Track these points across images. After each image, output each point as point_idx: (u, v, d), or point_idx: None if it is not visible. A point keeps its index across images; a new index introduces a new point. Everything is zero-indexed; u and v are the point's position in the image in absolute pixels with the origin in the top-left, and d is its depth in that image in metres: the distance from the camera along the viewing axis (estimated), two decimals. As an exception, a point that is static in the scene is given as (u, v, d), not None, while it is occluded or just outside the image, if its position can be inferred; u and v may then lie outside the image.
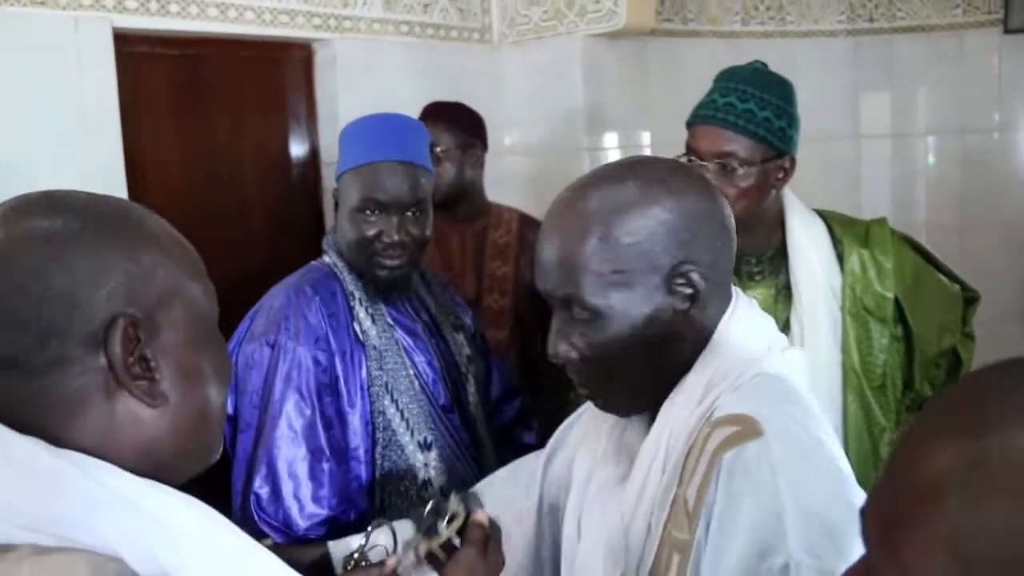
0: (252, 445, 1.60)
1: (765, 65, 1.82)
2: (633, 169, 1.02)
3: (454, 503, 1.29)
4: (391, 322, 1.71)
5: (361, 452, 1.63)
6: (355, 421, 1.63)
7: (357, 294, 1.69)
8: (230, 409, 1.64)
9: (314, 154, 3.08)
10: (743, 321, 1.05)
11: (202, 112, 2.79)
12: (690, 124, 1.78)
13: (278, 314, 1.64)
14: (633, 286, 0.97)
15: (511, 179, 3.17)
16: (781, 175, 1.73)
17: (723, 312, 1.04)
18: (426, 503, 1.47)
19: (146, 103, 2.63)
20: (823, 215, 1.85)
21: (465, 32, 3.36)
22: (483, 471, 1.70)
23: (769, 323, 1.12)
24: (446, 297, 1.91)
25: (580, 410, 1.30)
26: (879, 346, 1.77)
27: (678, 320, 1.00)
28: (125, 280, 0.79)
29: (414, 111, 3.17)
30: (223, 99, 2.84)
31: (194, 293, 0.88)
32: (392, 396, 1.65)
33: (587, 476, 1.17)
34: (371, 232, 1.65)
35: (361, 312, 1.67)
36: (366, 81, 3.04)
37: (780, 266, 1.81)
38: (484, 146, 2.60)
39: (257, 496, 1.55)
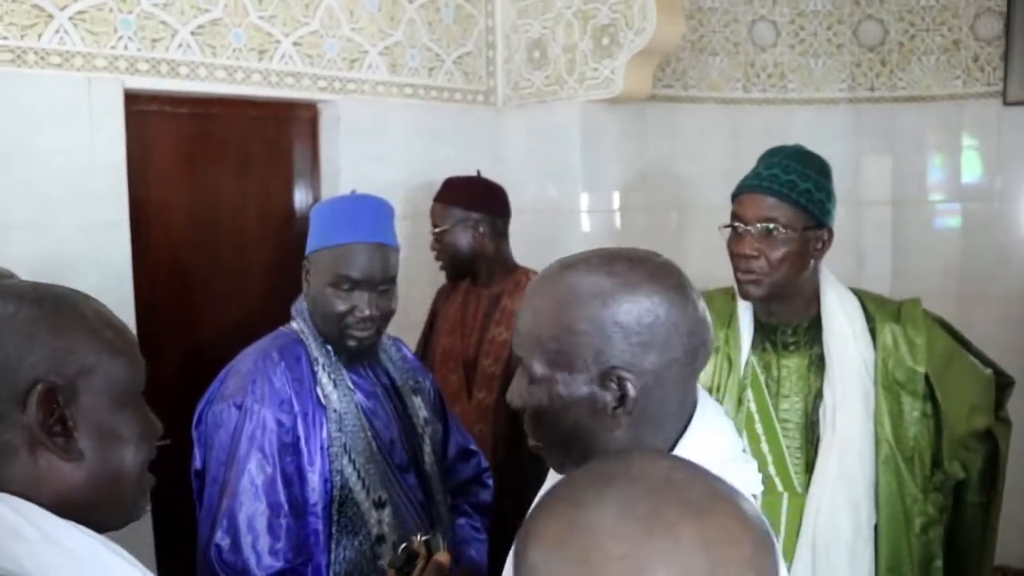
0: (217, 498, 1.71)
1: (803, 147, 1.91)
2: (614, 264, 1.05)
3: (418, 545, 1.50)
4: (351, 386, 1.83)
5: (319, 508, 1.73)
6: (314, 479, 1.73)
7: (321, 360, 1.81)
8: (199, 464, 1.79)
9: (315, 199, 3.19)
10: (699, 439, 1.07)
11: (208, 168, 2.93)
12: (736, 195, 1.86)
13: (246, 378, 1.76)
14: (572, 370, 1.03)
15: (511, 237, 3.27)
16: (820, 245, 1.80)
17: (680, 426, 1.07)
18: (379, 557, 1.74)
19: (154, 159, 2.77)
20: (856, 292, 1.92)
21: (470, 95, 3.48)
22: (434, 525, 1.86)
23: (727, 435, 1.12)
24: (405, 362, 2.02)
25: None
26: (910, 419, 1.81)
27: (606, 413, 1.04)
28: (50, 353, 0.95)
29: (416, 170, 3.30)
30: (229, 155, 2.98)
31: (116, 366, 1.02)
32: (350, 456, 1.76)
33: None
34: (344, 307, 1.78)
35: (324, 377, 1.80)
36: (369, 140, 3.18)
37: (815, 337, 1.86)
38: (496, 215, 2.75)
39: (218, 547, 1.66)
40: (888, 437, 1.80)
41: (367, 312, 1.77)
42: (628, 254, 1.08)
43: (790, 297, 1.83)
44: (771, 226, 1.74)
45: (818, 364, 1.85)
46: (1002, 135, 3.62)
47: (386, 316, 1.84)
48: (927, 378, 1.82)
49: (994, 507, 1.93)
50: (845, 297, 1.88)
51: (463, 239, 2.68)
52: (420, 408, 1.97)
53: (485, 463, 2.15)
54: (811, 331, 1.86)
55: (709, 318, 1.08)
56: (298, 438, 1.73)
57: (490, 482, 2.14)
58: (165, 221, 2.85)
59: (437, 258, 2.75)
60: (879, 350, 1.82)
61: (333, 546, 1.73)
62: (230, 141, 2.96)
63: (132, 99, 2.61)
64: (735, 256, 1.81)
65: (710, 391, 1.90)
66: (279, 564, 1.66)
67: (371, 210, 1.82)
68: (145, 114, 2.69)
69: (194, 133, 2.87)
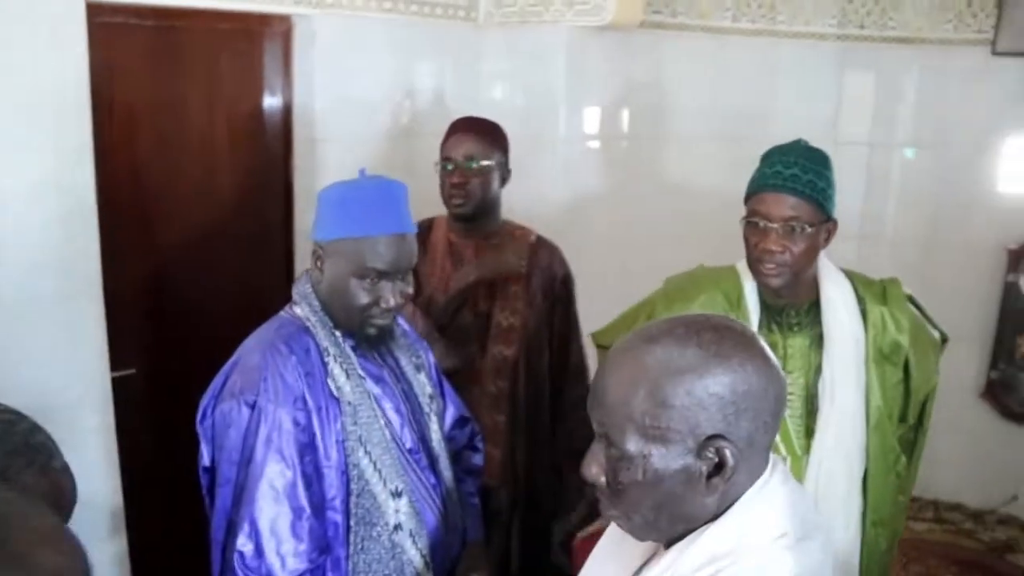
0: (232, 501, 1.69)
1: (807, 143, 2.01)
2: (700, 334, 1.06)
3: None
4: (362, 374, 1.79)
5: (337, 502, 1.72)
6: (331, 474, 1.71)
7: (331, 350, 1.76)
8: (207, 461, 1.76)
9: (287, 128, 3.06)
10: (769, 499, 1.09)
11: (175, 84, 2.77)
12: (756, 191, 1.96)
13: (255, 374, 1.69)
14: (667, 443, 1.05)
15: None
16: (827, 235, 1.98)
17: (753, 481, 1.10)
18: (396, 546, 1.76)
19: (118, 76, 2.60)
20: (847, 274, 2.10)
21: (451, 9, 3.31)
22: (445, 509, 1.90)
23: (798, 499, 1.13)
24: (406, 338, 1.98)
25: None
26: (890, 385, 2.06)
27: (700, 482, 1.06)
28: None
29: (392, 88, 3.17)
30: (197, 71, 2.81)
31: None
32: (366, 448, 1.74)
33: None
34: (370, 299, 1.74)
35: (336, 368, 1.74)
36: (345, 56, 3.02)
37: (816, 318, 2.05)
38: (507, 161, 2.60)
39: (241, 553, 1.65)
40: (878, 404, 2.03)
41: (392, 303, 1.76)
42: (712, 324, 1.09)
43: (798, 284, 2.00)
44: (794, 224, 1.89)
45: (818, 342, 2.04)
46: (987, 85, 3.60)
47: (406, 301, 1.82)
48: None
49: (918, 446, 2.20)
50: (839, 280, 2.07)
51: (496, 182, 2.53)
52: (424, 386, 1.94)
53: (476, 428, 2.16)
54: (812, 312, 2.04)
55: (785, 377, 1.12)
56: (313, 434, 1.70)
57: (481, 446, 2.16)
58: (130, 140, 2.69)
59: (456, 196, 2.48)
60: (869, 328, 2.03)
61: (352, 538, 1.73)
62: (199, 56, 2.79)
63: (94, 10, 2.40)
64: (759, 250, 1.93)
65: None
66: (304, 566, 1.67)
67: (394, 199, 1.76)
68: (109, 27, 2.49)
69: (160, 47, 2.69)
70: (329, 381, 1.73)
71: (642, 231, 3.49)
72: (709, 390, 1.03)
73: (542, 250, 2.59)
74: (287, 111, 3.05)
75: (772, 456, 1.14)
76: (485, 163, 2.48)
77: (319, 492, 1.70)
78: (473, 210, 2.50)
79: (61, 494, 1.06)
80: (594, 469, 1.12)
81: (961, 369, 3.30)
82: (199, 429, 1.75)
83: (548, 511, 2.63)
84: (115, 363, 2.64)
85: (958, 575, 3.64)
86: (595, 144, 3.53)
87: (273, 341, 1.75)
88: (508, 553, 2.60)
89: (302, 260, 3.15)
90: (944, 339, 2.19)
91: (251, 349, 1.77)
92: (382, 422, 1.79)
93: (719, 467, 1.05)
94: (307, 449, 1.69)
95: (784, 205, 1.88)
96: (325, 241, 1.76)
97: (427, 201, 2.54)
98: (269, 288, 3.19)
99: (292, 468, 1.66)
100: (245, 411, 1.68)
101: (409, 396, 1.89)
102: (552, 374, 2.60)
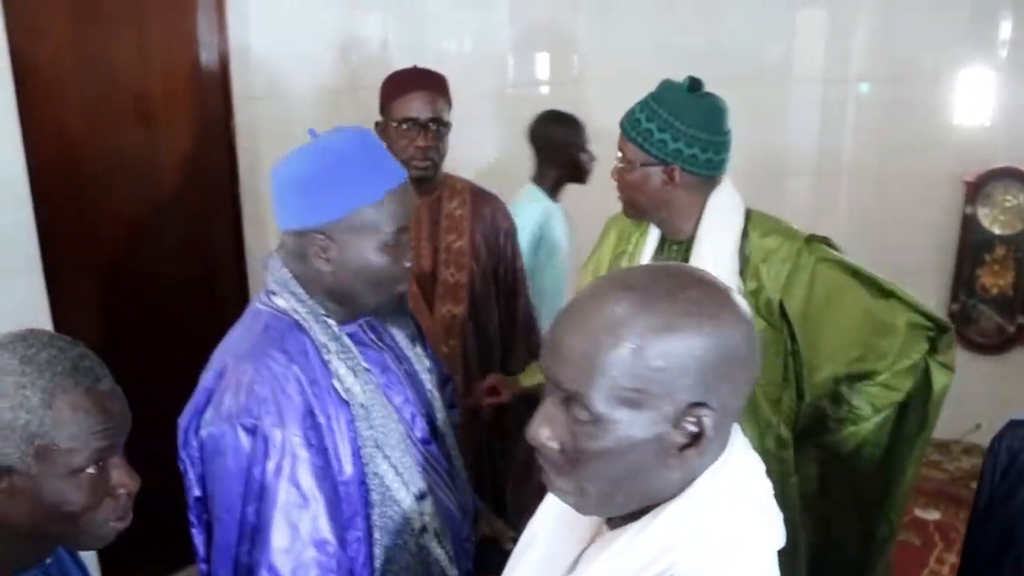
0: (237, 538, 1.46)
1: (696, 83, 1.93)
2: (687, 289, 0.93)
3: None
4: (367, 367, 1.56)
5: (358, 519, 1.51)
6: (349, 489, 1.49)
7: (331, 346, 1.51)
8: (198, 491, 1.51)
9: (225, 84, 2.94)
10: (734, 472, 0.98)
11: (103, 42, 2.64)
12: None
13: (251, 392, 1.43)
14: (641, 408, 0.91)
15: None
16: (663, 179, 1.92)
17: (717, 454, 0.97)
18: (424, 549, 1.56)
19: (38, 35, 2.47)
20: (755, 220, 1.97)
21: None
22: (460, 494, 1.71)
23: (759, 471, 1.03)
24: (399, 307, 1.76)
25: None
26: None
27: (672, 454, 0.94)
28: None
29: (332, 38, 3.05)
30: (123, 13, 2.68)
31: None
32: (384, 453, 1.53)
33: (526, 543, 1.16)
34: (396, 266, 1.52)
35: (341, 368, 1.51)
36: (282, 4, 2.91)
37: (687, 256, 1.98)
38: None
39: None
40: None
41: (410, 261, 1.55)
42: (697, 277, 0.96)
43: (662, 218, 2.00)
44: (622, 162, 1.97)
45: None
46: (941, 17, 3.56)
47: None
48: (783, 311, 1.91)
49: (915, 454, 2.02)
50: (724, 224, 1.97)
51: (446, 140, 2.34)
52: (422, 358, 1.72)
53: (454, 384, 2.01)
54: (688, 249, 1.99)
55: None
56: (326, 450, 1.47)
57: (458, 404, 1.98)
58: (56, 106, 2.57)
59: (420, 158, 2.30)
60: (747, 280, 1.92)
61: (376, 552, 1.52)
62: (125, 9, 2.66)
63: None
64: None
65: None
66: None
67: (378, 146, 1.51)
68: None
69: (83, 2, 2.55)
70: (335, 383, 1.50)
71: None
72: (695, 353, 0.90)
73: (483, 202, 2.47)
74: (224, 66, 2.93)
75: (733, 430, 1.02)
76: (447, 120, 2.33)
77: (339, 514, 1.48)
78: (435, 172, 2.36)
79: (107, 413, 1.13)
80: (545, 432, 0.97)
81: (923, 301, 3.29)
82: (181, 454, 1.50)
83: (503, 472, 2.56)
84: (61, 333, 2.56)
85: (925, 506, 3.69)
86: (544, 90, 3.46)
87: (264, 348, 1.47)
88: None
89: (250, 223, 3.06)
90: (944, 329, 1.98)
91: (238, 359, 1.47)
92: (395, 418, 1.57)
93: (696, 437, 0.93)
94: (323, 471, 1.46)
95: (619, 139, 1.97)
96: (328, 224, 1.46)
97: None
98: (217, 252, 3.11)
99: (311, 499, 1.44)
100: (244, 438, 1.43)
101: (412, 377, 1.67)
102: (501, 332, 2.52)
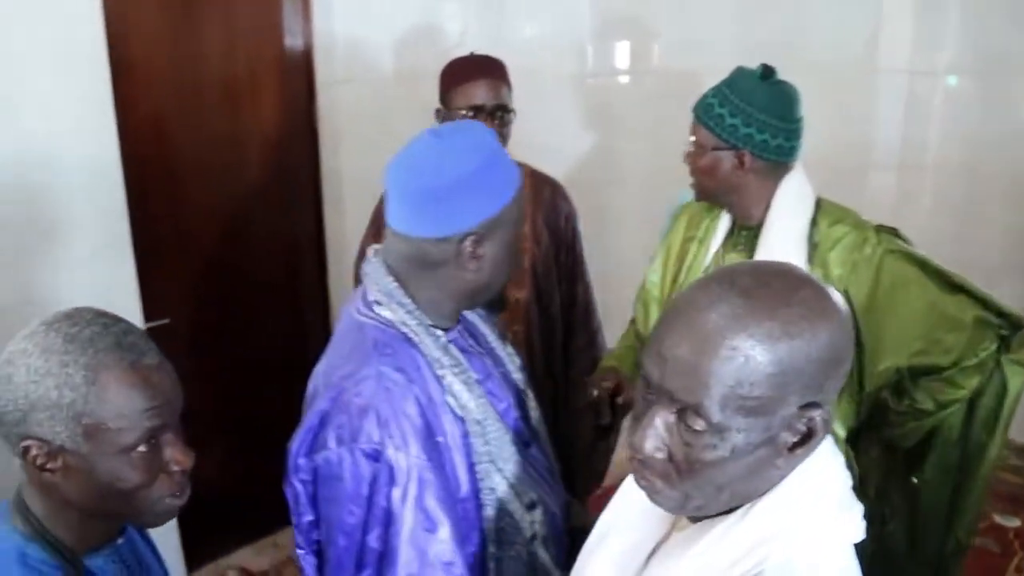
0: (355, 564, 1.41)
1: (769, 70, 1.93)
2: (796, 290, 0.91)
3: None
4: (477, 377, 1.50)
5: (475, 534, 1.46)
6: (467, 506, 1.44)
7: (444, 360, 1.44)
8: (310, 516, 1.46)
9: (309, 71, 3.02)
10: (822, 469, 0.97)
11: (193, 33, 2.73)
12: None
13: (368, 415, 1.36)
14: (760, 415, 0.90)
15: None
16: (734, 163, 1.94)
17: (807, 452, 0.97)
18: (534, 555, 1.52)
19: (133, 27, 2.57)
20: (824, 209, 1.96)
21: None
22: (558, 494, 1.66)
23: (842, 467, 1.02)
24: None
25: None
26: None
27: (782, 455, 0.93)
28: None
29: (415, 25, 3.10)
30: (215, 18, 2.78)
31: None
32: (497, 466, 1.47)
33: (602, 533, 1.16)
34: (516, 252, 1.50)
35: (455, 383, 1.44)
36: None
37: (756, 242, 1.99)
38: None
39: None
40: None
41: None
42: (802, 276, 0.94)
43: (733, 203, 2.02)
44: (694, 147, 1.99)
45: None
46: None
47: None
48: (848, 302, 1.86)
49: (988, 456, 1.97)
50: (794, 211, 1.97)
51: (510, 127, 2.33)
52: (513, 357, 1.66)
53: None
54: (754, 235, 2.01)
55: None
56: (444, 467, 1.41)
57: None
58: (149, 93, 2.67)
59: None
60: (815, 269, 1.89)
61: (491, 565, 1.48)
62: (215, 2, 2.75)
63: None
64: None
65: (678, 274, 2.13)
66: None
67: (498, 143, 1.46)
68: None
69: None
70: (449, 399, 1.43)
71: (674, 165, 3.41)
72: (809, 355, 0.89)
73: (544, 187, 2.46)
74: (308, 52, 3.00)
75: None
76: (511, 107, 2.32)
77: (458, 533, 1.43)
78: None
79: (154, 389, 1.10)
80: (650, 444, 0.95)
81: (1007, 303, 3.20)
82: (291, 479, 1.43)
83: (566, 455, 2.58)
84: (149, 314, 2.67)
85: (1004, 512, 3.59)
86: (624, 79, 3.45)
87: (377, 366, 1.39)
88: None
89: (330, 204, 3.13)
90: (1018, 326, 1.90)
91: (352, 380, 1.39)
92: (506, 430, 1.51)
93: (806, 436, 0.92)
94: (446, 492, 1.40)
95: (692, 124, 1.99)
96: (483, 223, 1.39)
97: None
98: (298, 234, 3.19)
99: (438, 522, 1.39)
100: (364, 464, 1.36)
101: (506, 377, 1.61)
102: (563, 315, 2.51)
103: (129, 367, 1.09)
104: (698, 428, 0.91)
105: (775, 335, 0.88)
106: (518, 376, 1.64)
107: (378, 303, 1.45)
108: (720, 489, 0.94)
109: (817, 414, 0.91)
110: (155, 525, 1.21)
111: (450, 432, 1.42)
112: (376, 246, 1.51)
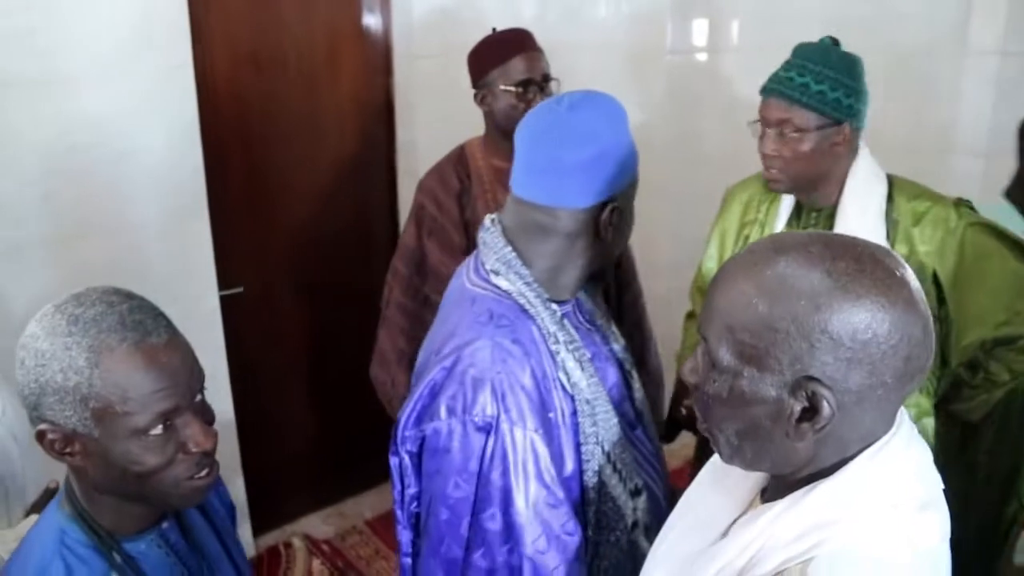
0: (465, 543, 1.36)
1: (835, 41, 1.90)
2: (837, 261, 0.90)
3: None
4: (589, 355, 1.46)
5: (574, 517, 1.41)
6: (571, 485, 1.40)
7: (560, 335, 1.40)
8: (415, 487, 1.43)
9: (386, 45, 3.05)
10: (885, 465, 0.95)
11: (272, 5, 2.79)
12: (761, 94, 1.95)
13: (484, 387, 1.31)
14: (762, 368, 0.92)
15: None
16: (840, 140, 1.88)
17: (867, 442, 0.95)
18: (634, 544, 1.48)
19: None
20: (896, 184, 1.94)
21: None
22: (664, 481, 1.61)
23: (920, 467, 0.98)
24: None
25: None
26: None
27: (789, 424, 0.93)
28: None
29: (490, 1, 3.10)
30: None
31: None
32: (603, 448, 1.43)
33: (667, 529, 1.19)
34: None
35: (569, 360, 1.40)
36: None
37: (832, 223, 1.97)
38: None
39: None
40: None
41: None
42: (857, 251, 0.91)
43: (816, 186, 1.95)
44: (784, 129, 1.87)
45: None
46: None
47: None
48: (936, 280, 1.88)
49: None
50: (869, 188, 1.93)
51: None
52: (618, 336, 1.61)
53: None
54: (831, 216, 1.96)
55: (934, 343, 0.94)
56: (555, 443, 1.38)
57: None
58: (229, 64, 2.74)
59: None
60: (897, 246, 1.88)
61: (589, 548, 1.44)
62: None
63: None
64: (760, 153, 1.94)
65: None
66: None
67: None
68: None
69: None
70: (561, 376, 1.39)
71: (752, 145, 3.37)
72: (822, 326, 0.87)
73: None
74: (386, 25, 3.03)
75: (899, 416, 0.97)
76: (553, 76, 2.28)
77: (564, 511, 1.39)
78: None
79: (162, 368, 1.04)
80: (691, 375, 1.03)
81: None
82: (400, 450, 1.40)
83: None
84: (224, 282, 2.75)
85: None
86: (703, 57, 3.40)
87: (495, 338, 1.34)
88: None
89: (404, 177, 3.16)
90: None
91: (468, 350, 1.34)
92: (615, 412, 1.46)
93: (812, 412, 0.91)
94: (559, 467, 1.37)
95: (775, 109, 1.88)
96: (623, 190, 1.39)
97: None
98: (372, 203, 3.24)
99: (560, 497, 1.36)
100: (476, 437, 1.31)
101: (614, 357, 1.57)
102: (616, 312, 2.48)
103: (133, 347, 1.03)
104: (708, 363, 0.98)
105: (786, 292, 0.90)
106: (624, 356, 1.59)
107: (496, 272, 1.41)
108: (739, 436, 0.99)
109: (823, 393, 0.90)
110: (184, 507, 1.18)
111: (559, 409, 1.38)
112: (492, 215, 1.48)
